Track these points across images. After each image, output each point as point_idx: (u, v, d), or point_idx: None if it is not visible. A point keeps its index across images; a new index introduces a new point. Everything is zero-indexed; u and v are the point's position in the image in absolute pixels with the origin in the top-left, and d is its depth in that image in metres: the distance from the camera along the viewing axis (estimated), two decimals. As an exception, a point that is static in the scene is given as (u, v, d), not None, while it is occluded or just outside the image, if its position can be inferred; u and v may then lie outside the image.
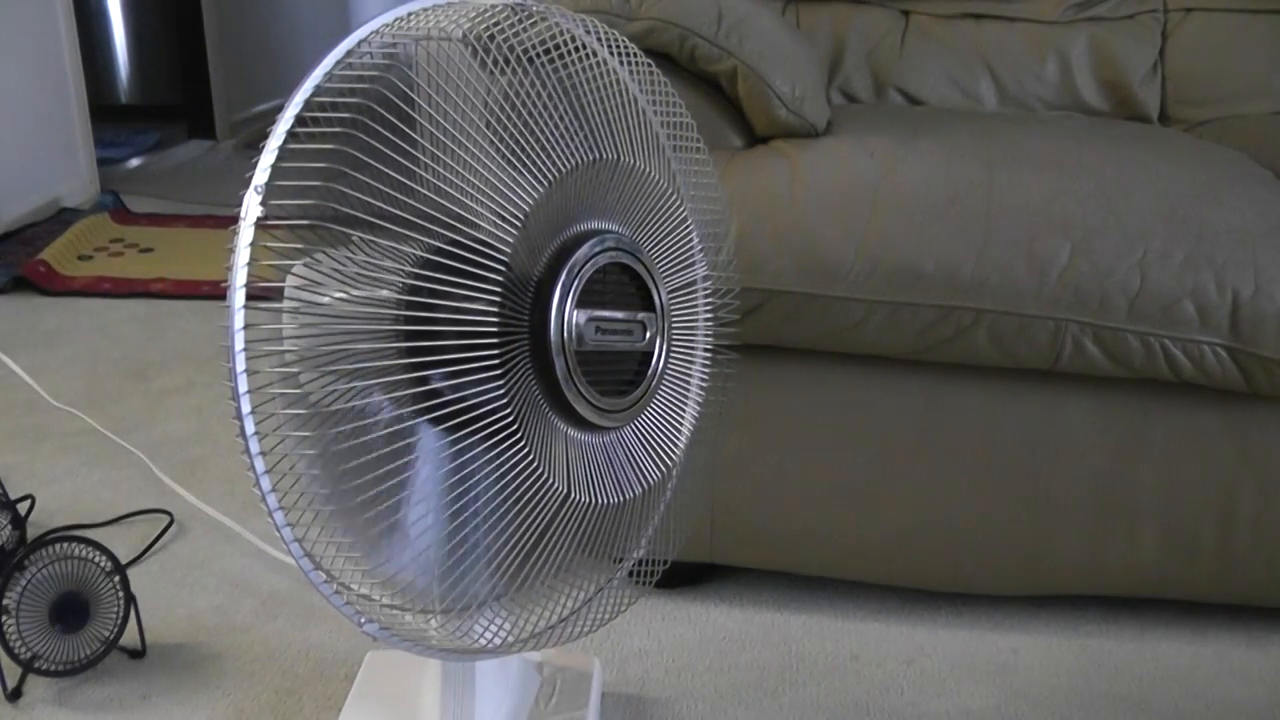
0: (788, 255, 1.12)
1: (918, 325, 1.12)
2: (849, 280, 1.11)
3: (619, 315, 0.80)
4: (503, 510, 0.77)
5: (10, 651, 1.09)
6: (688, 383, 0.92)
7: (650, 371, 0.84)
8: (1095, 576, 1.24)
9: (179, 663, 1.18)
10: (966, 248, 1.11)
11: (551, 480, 0.78)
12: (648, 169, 0.84)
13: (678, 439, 0.90)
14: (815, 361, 1.18)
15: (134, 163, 3.55)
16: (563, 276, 0.76)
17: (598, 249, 0.78)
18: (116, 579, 1.15)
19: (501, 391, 0.73)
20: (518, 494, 0.77)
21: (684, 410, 0.91)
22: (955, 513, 1.22)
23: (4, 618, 1.09)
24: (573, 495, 0.80)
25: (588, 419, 0.79)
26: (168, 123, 4.03)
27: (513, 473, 0.76)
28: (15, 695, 1.12)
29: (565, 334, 0.76)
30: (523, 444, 0.75)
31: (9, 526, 1.32)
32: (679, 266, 0.89)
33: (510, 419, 0.74)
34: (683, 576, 1.33)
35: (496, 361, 0.73)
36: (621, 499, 0.85)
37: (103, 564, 1.14)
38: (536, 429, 0.77)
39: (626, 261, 0.80)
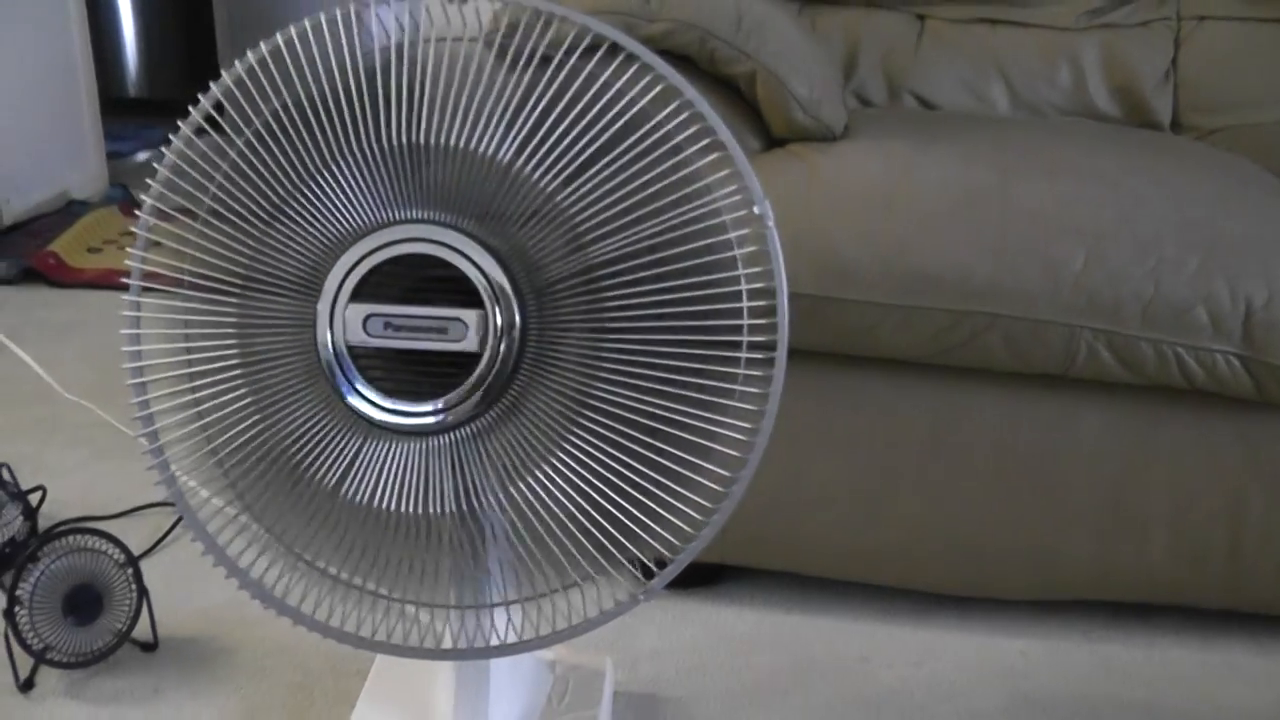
0: (803, 258, 1.12)
1: (932, 329, 1.12)
2: (864, 284, 1.12)
3: (417, 312, 0.76)
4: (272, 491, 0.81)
5: (23, 642, 1.10)
6: (576, 388, 0.78)
7: (477, 375, 0.76)
8: (1105, 582, 1.25)
9: (191, 656, 1.18)
10: (981, 252, 1.11)
11: (320, 474, 0.79)
12: (499, 154, 0.75)
13: (542, 454, 0.78)
14: (829, 364, 1.19)
15: (142, 156, 3.55)
16: (332, 271, 0.76)
17: (379, 243, 0.75)
18: (129, 571, 1.15)
19: (240, 383, 0.78)
20: (273, 479, 0.80)
21: (574, 420, 0.78)
22: (966, 517, 1.22)
23: (17, 609, 1.09)
24: (347, 492, 0.79)
25: (374, 419, 0.77)
26: (177, 116, 4.03)
27: (266, 459, 0.79)
28: (27, 686, 1.12)
29: (333, 330, 0.76)
30: (277, 434, 0.79)
31: (21, 518, 1.32)
32: (559, 256, 0.76)
33: (250, 409, 0.78)
34: (695, 577, 1.34)
35: (235, 354, 0.78)
36: (409, 511, 0.79)
37: (115, 556, 1.15)
38: (312, 424, 0.79)
39: (427, 251, 0.75)
